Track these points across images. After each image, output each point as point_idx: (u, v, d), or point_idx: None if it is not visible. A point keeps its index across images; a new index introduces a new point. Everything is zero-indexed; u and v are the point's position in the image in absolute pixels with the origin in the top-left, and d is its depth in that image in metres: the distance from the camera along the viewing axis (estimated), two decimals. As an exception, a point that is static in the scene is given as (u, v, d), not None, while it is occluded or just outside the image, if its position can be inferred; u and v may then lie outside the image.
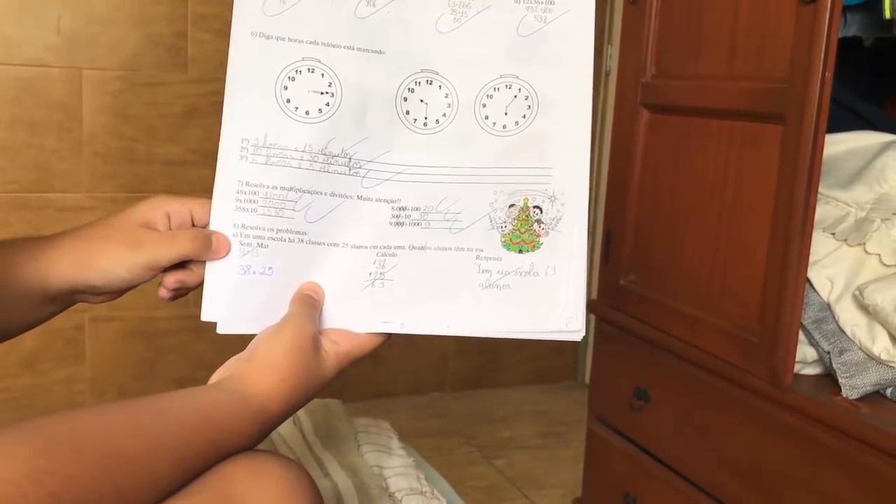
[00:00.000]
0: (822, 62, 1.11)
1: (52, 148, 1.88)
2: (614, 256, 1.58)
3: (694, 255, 1.39)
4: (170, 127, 1.95)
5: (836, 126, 1.29)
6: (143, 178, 1.95)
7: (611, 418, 1.61)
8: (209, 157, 1.96)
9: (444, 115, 0.61)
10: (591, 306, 1.67)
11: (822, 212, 1.28)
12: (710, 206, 1.35)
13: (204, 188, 1.97)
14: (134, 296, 1.93)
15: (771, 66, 1.21)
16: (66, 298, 0.65)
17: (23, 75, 1.81)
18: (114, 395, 2.03)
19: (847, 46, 1.30)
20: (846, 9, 1.28)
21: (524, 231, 0.61)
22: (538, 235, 0.61)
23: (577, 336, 0.62)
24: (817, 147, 1.13)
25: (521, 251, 0.61)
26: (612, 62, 2.35)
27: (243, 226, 0.61)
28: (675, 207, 1.43)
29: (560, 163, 0.61)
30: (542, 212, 0.61)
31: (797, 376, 1.23)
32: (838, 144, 1.32)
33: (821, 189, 1.22)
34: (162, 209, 0.64)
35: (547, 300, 0.61)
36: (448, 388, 2.42)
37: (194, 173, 1.99)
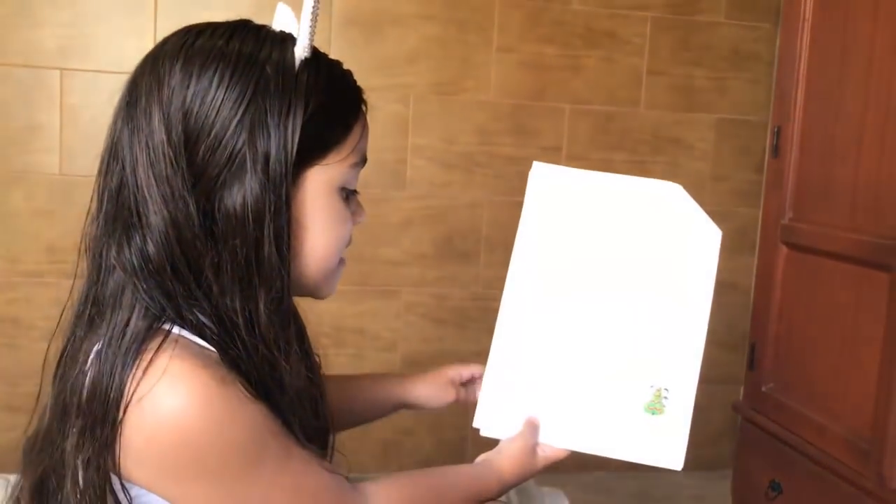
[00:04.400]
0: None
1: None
2: (758, 366, 1.85)
3: (822, 371, 1.65)
4: (389, 234, 2.39)
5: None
6: (367, 274, 2.39)
7: (750, 506, 1.86)
8: (419, 258, 2.39)
9: (621, 326, 0.97)
10: (736, 407, 1.94)
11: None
12: (835, 331, 1.61)
13: (413, 283, 2.40)
14: (353, 368, 2.36)
15: (884, 224, 1.48)
16: (401, 408, 1.15)
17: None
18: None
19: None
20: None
21: (656, 402, 0.95)
22: (664, 406, 0.95)
23: (677, 467, 0.95)
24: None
25: (653, 414, 0.95)
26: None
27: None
28: (808, 328, 1.69)
29: (683, 365, 0.95)
30: (668, 392, 0.95)
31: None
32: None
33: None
34: (458, 370, 1.14)
35: (664, 443, 0.95)
36: (613, 469, 2.68)
37: (406, 272, 2.41)
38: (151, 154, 0.71)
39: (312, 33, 0.77)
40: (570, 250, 0.99)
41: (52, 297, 2.13)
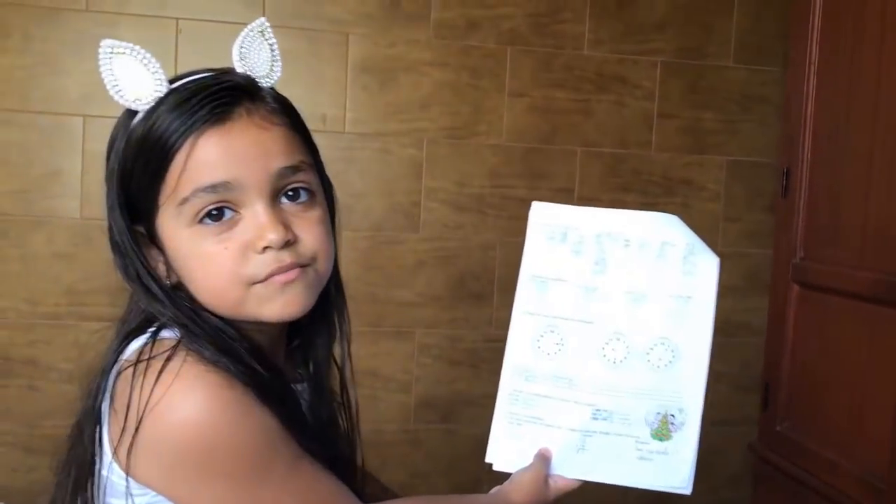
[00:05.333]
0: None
1: (314, 291, 2.39)
2: (772, 405, 1.85)
3: (836, 410, 1.65)
4: (403, 276, 2.42)
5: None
6: (381, 315, 2.41)
7: (767, 547, 1.85)
8: (433, 299, 2.41)
9: (625, 357, 0.99)
10: (752, 447, 1.94)
11: (946, 381, 1.51)
12: (848, 369, 1.61)
13: (426, 325, 2.42)
14: (368, 411, 2.36)
15: (893, 263, 1.49)
16: None
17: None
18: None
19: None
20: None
21: (664, 428, 0.97)
22: (671, 432, 0.97)
23: (686, 491, 0.96)
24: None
25: (661, 440, 0.97)
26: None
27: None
28: (821, 367, 1.70)
29: (688, 392, 0.97)
30: (675, 418, 0.97)
31: (920, 521, 1.45)
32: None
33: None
34: None
35: (672, 469, 0.96)
36: (628, 510, 2.68)
37: (420, 313, 2.43)
38: None
39: (123, 88, 0.84)
40: (573, 284, 1.01)
41: (72, 339, 2.15)
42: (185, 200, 0.77)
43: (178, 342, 0.75)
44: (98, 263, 2.13)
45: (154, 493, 0.74)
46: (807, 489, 1.69)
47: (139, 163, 0.80)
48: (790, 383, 1.79)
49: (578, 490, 1.01)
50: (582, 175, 2.46)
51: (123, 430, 0.73)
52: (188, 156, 0.77)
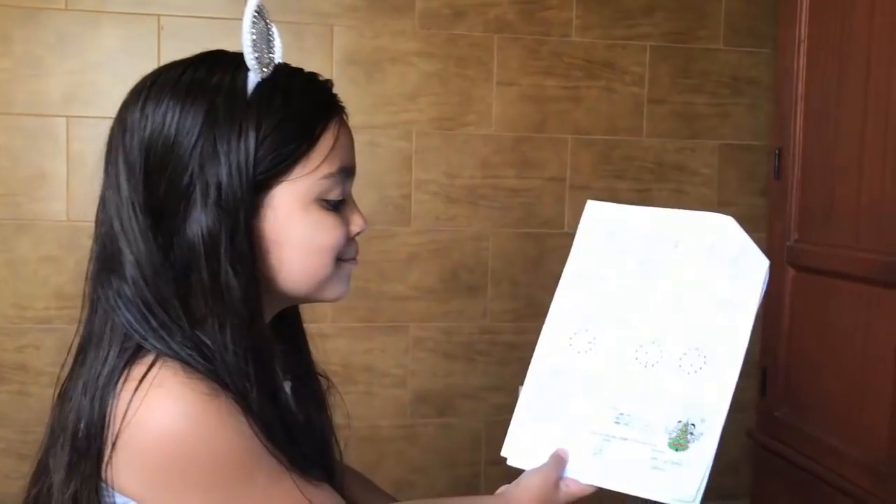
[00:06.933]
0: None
1: (306, 287, 2.36)
2: (769, 390, 1.83)
3: (835, 393, 1.63)
4: (395, 270, 2.40)
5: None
6: (374, 310, 2.39)
7: (769, 534, 1.83)
8: (426, 293, 2.39)
9: (658, 361, 0.95)
10: (749, 434, 1.92)
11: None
12: (846, 352, 1.59)
13: (420, 318, 2.40)
14: (363, 406, 2.37)
15: (887, 242, 1.47)
16: None
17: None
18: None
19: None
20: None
21: (682, 437, 0.92)
22: (689, 442, 0.92)
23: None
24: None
25: (676, 450, 0.92)
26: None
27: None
28: (818, 350, 1.68)
29: (713, 401, 0.92)
30: (695, 428, 0.92)
31: (922, 504, 1.43)
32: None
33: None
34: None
35: (682, 481, 0.91)
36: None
37: (414, 307, 2.41)
38: (118, 197, 0.75)
39: (261, 52, 0.78)
40: (615, 284, 0.99)
41: (61, 342, 2.12)
42: (329, 175, 0.79)
43: (158, 354, 0.72)
44: (86, 265, 2.11)
45: (137, 503, 0.72)
46: (807, 475, 1.67)
47: (299, 117, 0.78)
48: (788, 368, 1.77)
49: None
50: (573, 163, 2.43)
51: (104, 441, 0.70)
52: (337, 135, 0.81)
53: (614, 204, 1.02)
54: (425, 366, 2.42)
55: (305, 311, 2.58)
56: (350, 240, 0.84)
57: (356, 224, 0.84)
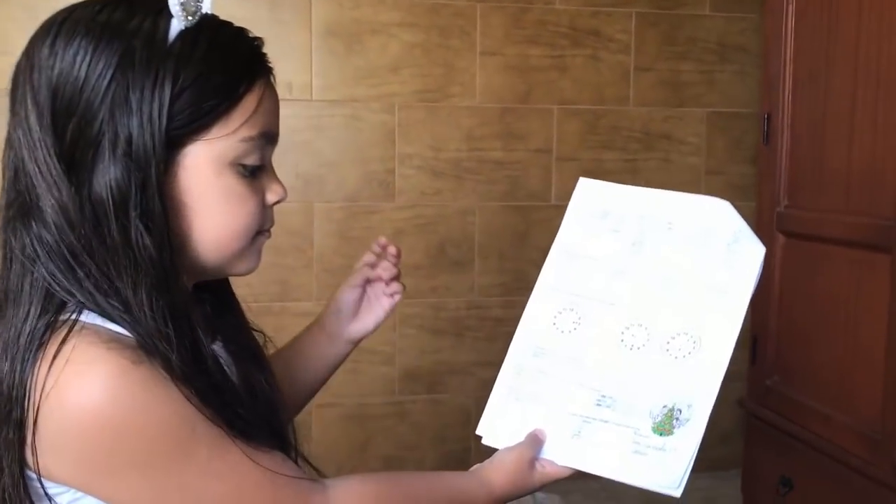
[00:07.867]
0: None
1: (290, 266, 2.33)
2: (760, 359, 1.81)
3: (826, 360, 1.60)
4: (381, 246, 2.36)
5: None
6: (359, 288, 2.36)
7: (761, 504, 1.81)
8: (413, 269, 2.35)
9: (644, 344, 0.92)
10: (741, 403, 1.90)
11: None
12: (837, 319, 1.56)
13: (407, 295, 2.35)
14: (351, 385, 2.32)
15: (879, 206, 1.44)
16: (343, 345, 1.07)
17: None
18: (332, 470, 2.42)
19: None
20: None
21: (667, 422, 0.89)
22: (674, 427, 0.89)
23: (676, 493, 0.88)
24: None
25: (661, 435, 0.89)
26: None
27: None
28: (809, 317, 1.65)
29: (701, 387, 0.89)
30: (681, 413, 0.89)
31: (916, 470, 1.41)
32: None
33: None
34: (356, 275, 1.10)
35: (665, 468, 0.88)
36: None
37: (400, 283, 2.38)
38: (29, 139, 0.69)
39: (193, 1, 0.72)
40: (604, 263, 0.95)
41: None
42: (249, 139, 0.74)
43: (74, 322, 0.67)
44: None
45: (74, 490, 0.67)
46: (800, 443, 1.65)
47: (222, 72, 0.72)
48: (778, 336, 1.75)
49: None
50: (560, 134, 2.40)
51: (22, 424, 0.65)
52: (261, 97, 0.75)
53: (607, 182, 0.98)
54: (413, 342, 2.39)
55: (286, 289, 2.53)
56: (266, 209, 0.78)
57: (274, 192, 0.79)
